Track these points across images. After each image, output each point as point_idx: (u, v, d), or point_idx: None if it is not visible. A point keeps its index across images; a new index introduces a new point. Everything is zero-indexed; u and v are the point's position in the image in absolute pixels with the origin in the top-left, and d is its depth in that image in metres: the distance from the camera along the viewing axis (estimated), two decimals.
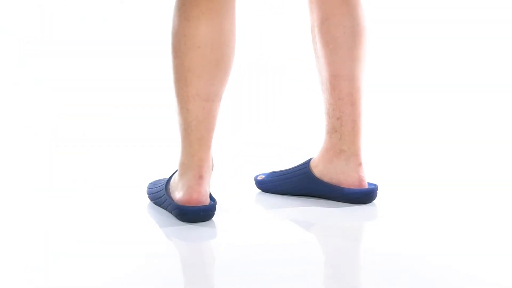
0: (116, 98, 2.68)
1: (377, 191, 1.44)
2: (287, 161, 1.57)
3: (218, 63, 1.29)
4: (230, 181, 1.63)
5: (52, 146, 2.10)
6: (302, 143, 2.11)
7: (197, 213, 1.30)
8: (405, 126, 2.37)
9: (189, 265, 1.13)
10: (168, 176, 1.43)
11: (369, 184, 1.45)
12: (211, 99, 1.31)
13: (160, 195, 1.40)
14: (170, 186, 1.38)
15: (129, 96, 2.70)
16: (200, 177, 1.32)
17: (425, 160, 1.88)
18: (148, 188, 1.48)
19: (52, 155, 1.97)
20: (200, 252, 1.20)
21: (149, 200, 1.46)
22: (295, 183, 1.47)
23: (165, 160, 1.90)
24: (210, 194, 1.36)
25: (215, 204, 1.33)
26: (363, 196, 1.42)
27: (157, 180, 1.49)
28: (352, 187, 1.42)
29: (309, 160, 1.48)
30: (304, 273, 1.07)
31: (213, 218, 1.33)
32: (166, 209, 1.37)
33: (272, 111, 2.47)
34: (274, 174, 1.52)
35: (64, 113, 2.52)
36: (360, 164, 1.43)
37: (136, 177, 1.69)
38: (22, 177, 1.72)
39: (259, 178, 1.53)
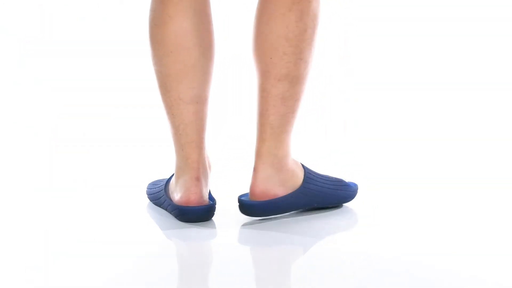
0: (116, 98, 2.68)
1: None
2: None
3: (195, 65, 1.29)
4: (230, 181, 1.63)
5: (52, 146, 2.10)
6: (299, 142, 2.11)
7: (196, 213, 1.30)
8: (399, 124, 2.37)
9: (189, 265, 1.13)
10: (168, 177, 1.43)
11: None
12: (195, 101, 1.31)
13: (159, 196, 1.40)
14: (169, 188, 1.38)
15: (129, 96, 2.70)
16: (197, 179, 1.32)
17: (419, 159, 1.88)
18: (148, 188, 1.49)
19: (52, 155, 1.97)
20: (200, 252, 1.20)
21: (149, 200, 1.47)
22: None
23: (165, 160, 1.90)
24: (210, 194, 1.36)
25: (215, 204, 1.33)
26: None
27: (157, 181, 1.49)
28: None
29: None
30: (303, 273, 1.07)
31: (213, 218, 1.33)
32: (166, 209, 1.37)
33: None
34: None
35: (64, 113, 2.52)
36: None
37: (136, 177, 1.70)
38: (22, 177, 1.72)
39: None
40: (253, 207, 1.30)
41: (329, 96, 2.75)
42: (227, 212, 1.36)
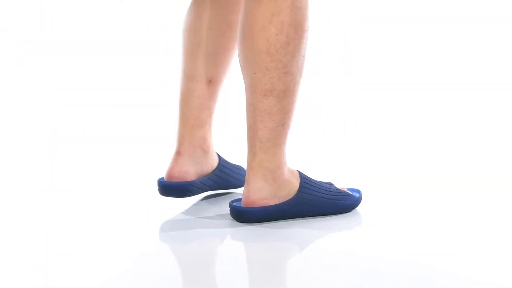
0: (116, 98, 2.68)
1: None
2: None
3: (199, 45, 1.38)
4: None
5: (52, 146, 2.10)
6: (298, 143, 2.11)
7: (167, 188, 1.39)
8: (399, 124, 2.37)
9: (188, 265, 1.13)
10: None
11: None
12: (195, 79, 1.39)
13: None
14: None
15: (129, 96, 2.70)
16: (178, 153, 1.40)
17: (419, 159, 1.88)
18: None
19: (52, 155, 1.97)
20: (200, 252, 1.20)
21: (149, 200, 1.48)
22: None
23: (164, 160, 1.90)
24: (207, 178, 1.41)
25: (193, 184, 1.39)
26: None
27: None
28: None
29: None
30: (301, 272, 1.07)
31: (213, 218, 1.33)
32: None
33: None
34: None
35: (64, 113, 2.52)
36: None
37: (136, 177, 1.69)
38: (22, 177, 1.72)
39: None
40: (243, 213, 1.29)
41: (329, 96, 2.74)
42: (227, 212, 1.36)
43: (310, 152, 2.01)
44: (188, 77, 1.39)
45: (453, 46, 2.85)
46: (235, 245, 1.22)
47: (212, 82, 1.41)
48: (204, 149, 1.43)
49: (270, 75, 1.24)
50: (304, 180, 1.32)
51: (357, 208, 1.38)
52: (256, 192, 1.28)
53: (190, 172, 1.40)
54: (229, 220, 1.32)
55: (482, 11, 2.85)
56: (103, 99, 2.65)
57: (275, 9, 1.22)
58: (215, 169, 1.45)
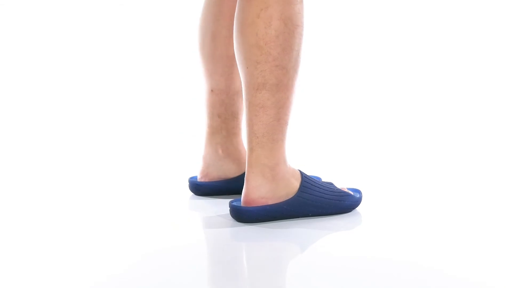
0: (116, 98, 2.68)
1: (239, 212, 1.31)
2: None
3: (199, 57, 1.48)
4: None
5: (52, 146, 2.10)
6: (299, 141, 2.11)
7: (193, 186, 1.51)
8: (399, 124, 2.37)
9: (188, 265, 1.13)
10: None
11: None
12: (204, 89, 1.48)
13: None
14: None
15: (129, 96, 2.71)
16: (202, 157, 1.50)
17: (419, 159, 1.89)
18: None
19: (52, 155, 1.98)
20: (200, 252, 1.20)
21: (150, 200, 1.48)
22: None
23: (164, 160, 1.90)
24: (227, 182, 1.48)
25: (203, 184, 1.48)
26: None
27: None
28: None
29: None
30: (304, 273, 1.07)
31: (213, 218, 1.33)
32: None
33: None
34: None
35: (64, 113, 2.52)
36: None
37: (137, 177, 1.70)
38: (22, 177, 1.72)
39: None
40: (243, 212, 1.29)
41: (328, 96, 2.75)
42: (227, 212, 1.37)
43: (310, 152, 2.01)
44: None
45: (452, 46, 2.86)
46: (235, 245, 1.22)
47: (214, 91, 1.46)
48: (220, 154, 1.48)
49: (261, 69, 1.25)
50: (305, 180, 1.32)
51: (357, 208, 1.38)
52: (255, 190, 1.28)
53: (208, 174, 1.49)
54: (229, 220, 1.32)
55: (481, 11, 2.85)
56: (103, 99, 2.66)
57: (263, 4, 1.24)
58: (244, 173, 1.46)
